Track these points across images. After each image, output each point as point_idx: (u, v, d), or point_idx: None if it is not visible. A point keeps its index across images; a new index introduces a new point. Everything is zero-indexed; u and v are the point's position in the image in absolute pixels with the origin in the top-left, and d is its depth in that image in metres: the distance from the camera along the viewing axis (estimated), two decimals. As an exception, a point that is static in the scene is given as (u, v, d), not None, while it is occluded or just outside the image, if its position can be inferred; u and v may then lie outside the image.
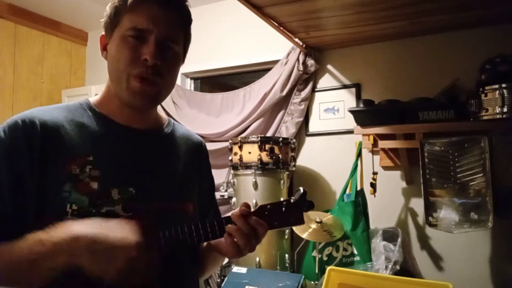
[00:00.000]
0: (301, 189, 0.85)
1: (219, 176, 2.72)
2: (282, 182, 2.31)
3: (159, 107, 3.08)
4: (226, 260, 1.02)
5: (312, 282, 2.09)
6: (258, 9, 2.04)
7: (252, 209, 0.84)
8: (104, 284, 0.72)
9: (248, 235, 0.81)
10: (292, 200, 0.84)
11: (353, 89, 2.67)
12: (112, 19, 0.88)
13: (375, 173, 2.34)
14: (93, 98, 0.94)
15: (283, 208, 0.84)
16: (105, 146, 0.87)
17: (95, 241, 0.71)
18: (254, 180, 2.25)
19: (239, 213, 0.82)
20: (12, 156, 0.79)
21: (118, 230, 0.73)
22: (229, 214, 0.85)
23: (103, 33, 0.92)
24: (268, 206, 0.85)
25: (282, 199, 2.25)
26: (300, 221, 0.85)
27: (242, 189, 2.32)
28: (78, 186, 0.80)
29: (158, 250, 0.79)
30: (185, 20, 0.94)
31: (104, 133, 0.88)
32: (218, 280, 2.28)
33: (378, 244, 2.16)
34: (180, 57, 0.94)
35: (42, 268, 0.72)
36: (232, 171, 2.43)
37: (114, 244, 0.72)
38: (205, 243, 1.01)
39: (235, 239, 0.82)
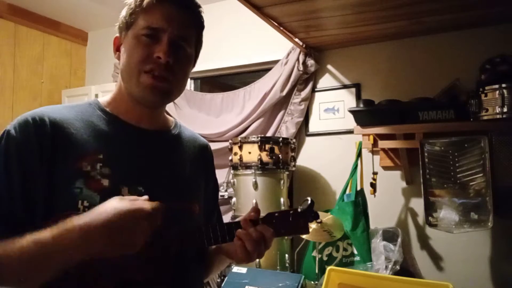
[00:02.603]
0: (309, 199, 0.86)
1: (219, 176, 2.71)
2: (282, 182, 2.31)
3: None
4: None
5: (312, 282, 2.09)
6: (258, 9, 2.04)
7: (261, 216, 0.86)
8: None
9: (257, 241, 0.83)
10: (299, 210, 0.86)
11: (353, 89, 2.67)
12: (127, 19, 0.89)
13: (375, 173, 2.34)
14: (102, 99, 0.95)
15: (290, 217, 0.86)
16: (114, 145, 0.87)
17: (107, 229, 0.70)
18: (254, 180, 2.25)
19: (248, 219, 0.84)
20: (23, 153, 0.79)
21: (126, 205, 0.73)
22: (239, 219, 0.86)
23: (117, 34, 0.93)
24: (276, 214, 0.86)
25: (282, 199, 2.26)
26: (305, 231, 0.87)
27: (242, 189, 2.32)
28: (89, 183, 0.80)
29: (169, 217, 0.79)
30: (199, 23, 0.95)
31: (113, 132, 0.89)
32: (218, 280, 2.28)
33: (378, 244, 2.16)
34: (191, 59, 0.94)
35: (55, 266, 0.71)
36: (232, 171, 2.43)
37: (124, 221, 0.71)
38: (213, 246, 1.02)
39: (245, 244, 0.83)
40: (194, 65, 0.98)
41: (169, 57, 0.85)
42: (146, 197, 0.77)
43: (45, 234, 0.71)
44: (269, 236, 0.84)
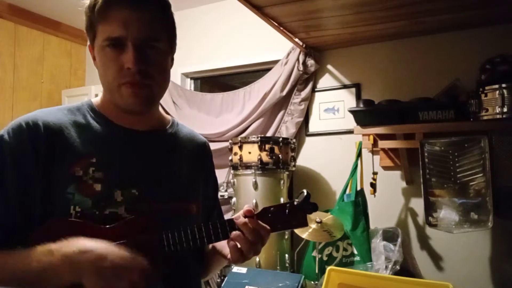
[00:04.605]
0: (305, 191, 0.84)
1: (219, 176, 2.70)
2: (282, 182, 2.31)
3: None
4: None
5: (312, 282, 2.09)
6: (258, 9, 2.04)
7: (255, 212, 0.84)
8: None
9: (253, 241, 0.81)
10: (295, 203, 0.84)
11: (353, 89, 2.67)
12: (89, 30, 0.86)
13: (375, 173, 2.34)
14: (95, 99, 0.94)
15: (287, 211, 0.84)
16: (108, 148, 0.86)
17: (101, 258, 0.71)
18: (254, 180, 2.25)
19: (243, 215, 0.82)
20: (18, 158, 0.79)
21: (126, 251, 0.73)
22: (232, 216, 0.84)
23: (89, 43, 0.90)
24: (271, 209, 0.84)
25: (282, 199, 2.26)
26: (303, 224, 0.85)
27: (242, 189, 2.32)
28: (81, 188, 0.80)
29: (163, 268, 0.79)
30: (160, 10, 0.88)
31: (106, 135, 0.88)
32: (218, 280, 2.28)
33: (378, 244, 2.16)
34: (166, 51, 0.90)
35: (47, 281, 0.72)
36: (232, 171, 2.43)
37: (120, 264, 0.71)
38: (210, 246, 1.02)
39: (239, 245, 0.82)
40: (173, 52, 0.94)
41: (139, 65, 0.81)
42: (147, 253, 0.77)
43: (43, 248, 0.72)
44: (265, 234, 0.82)
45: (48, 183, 0.79)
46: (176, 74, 3.26)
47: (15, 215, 0.77)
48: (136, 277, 0.71)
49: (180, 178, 0.95)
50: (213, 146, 2.81)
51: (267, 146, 2.25)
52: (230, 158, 2.40)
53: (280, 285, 1.78)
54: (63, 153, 0.81)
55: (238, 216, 0.83)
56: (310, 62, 2.67)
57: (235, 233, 0.81)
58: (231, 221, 0.83)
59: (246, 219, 0.81)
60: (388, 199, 2.47)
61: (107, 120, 0.90)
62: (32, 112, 0.85)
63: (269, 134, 2.78)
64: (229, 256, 0.86)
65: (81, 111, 0.89)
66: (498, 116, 1.91)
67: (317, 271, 2.12)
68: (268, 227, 0.82)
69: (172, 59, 0.94)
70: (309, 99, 2.76)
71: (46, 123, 0.82)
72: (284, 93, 2.71)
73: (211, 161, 1.11)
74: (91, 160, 0.82)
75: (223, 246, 0.92)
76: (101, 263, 0.70)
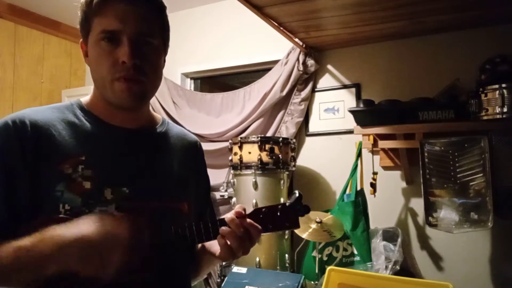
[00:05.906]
0: (297, 192, 0.84)
1: (219, 176, 2.72)
2: (282, 182, 2.31)
3: (159, 107, 3.03)
4: (224, 260, 1.02)
5: (312, 282, 2.09)
6: (258, 9, 2.04)
7: (248, 212, 0.84)
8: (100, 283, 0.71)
9: (241, 237, 0.81)
10: (287, 204, 0.84)
11: (353, 89, 2.67)
12: (84, 25, 0.86)
13: (375, 173, 2.34)
14: (84, 98, 0.94)
15: (278, 212, 0.84)
16: (97, 146, 0.86)
17: (83, 246, 0.70)
18: (254, 180, 2.25)
19: (233, 216, 0.82)
20: (4, 156, 0.78)
21: (106, 228, 0.72)
22: (223, 216, 0.84)
23: (82, 40, 0.90)
24: (263, 209, 0.85)
25: (282, 199, 2.26)
26: (295, 225, 0.84)
27: (242, 189, 2.32)
28: (70, 186, 0.79)
29: (149, 243, 0.77)
30: (157, 9, 0.89)
31: (96, 133, 0.87)
32: (218, 280, 2.28)
33: (378, 244, 2.16)
34: (160, 49, 0.91)
35: (32, 275, 0.71)
36: (232, 171, 2.43)
37: (103, 243, 0.71)
38: (199, 245, 1.01)
39: (228, 241, 0.81)
40: (166, 52, 0.95)
41: (134, 59, 0.82)
42: (129, 217, 0.76)
43: (24, 242, 0.71)
44: (255, 233, 0.82)
45: (36, 182, 0.78)
46: (176, 74, 3.26)
47: (3, 213, 0.77)
48: (123, 250, 0.71)
49: (171, 177, 0.95)
50: (213, 146, 2.84)
51: (267, 146, 2.25)
52: (230, 158, 2.40)
53: (280, 285, 1.78)
54: (51, 151, 0.81)
55: (229, 214, 0.83)
56: (310, 62, 2.67)
57: (224, 228, 0.81)
58: (222, 220, 0.83)
59: (236, 215, 0.82)
60: (388, 199, 2.47)
61: (97, 118, 0.89)
62: (20, 110, 0.84)
63: (269, 134, 2.78)
64: (217, 253, 0.86)
65: (70, 110, 0.89)
66: (498, 116, 1.91)
67: (317, 271, 2.12)
68: (258, 226, 0.82)
69: (164, 60, 0.95)
70: (309, 99, 2.76)
71: (33, 121, 0.81)
72: (284, 93, 2.71)
73: (203, 160, 1.11)
74: (80, 158, 0.82)
75: (212, 244, 0.92)
76: (84, 252, 0.70)
